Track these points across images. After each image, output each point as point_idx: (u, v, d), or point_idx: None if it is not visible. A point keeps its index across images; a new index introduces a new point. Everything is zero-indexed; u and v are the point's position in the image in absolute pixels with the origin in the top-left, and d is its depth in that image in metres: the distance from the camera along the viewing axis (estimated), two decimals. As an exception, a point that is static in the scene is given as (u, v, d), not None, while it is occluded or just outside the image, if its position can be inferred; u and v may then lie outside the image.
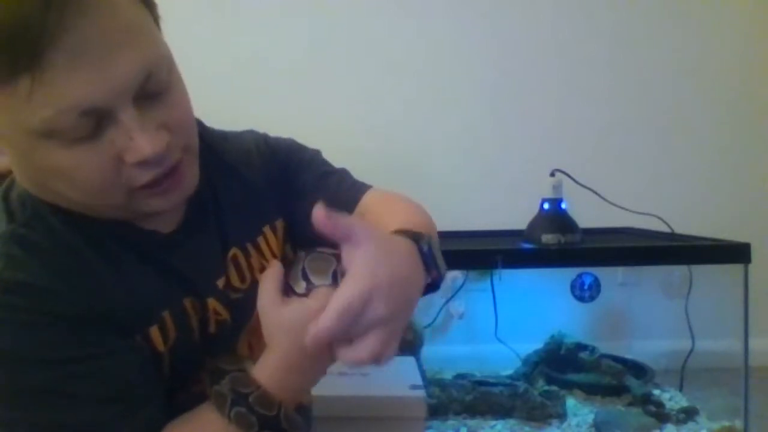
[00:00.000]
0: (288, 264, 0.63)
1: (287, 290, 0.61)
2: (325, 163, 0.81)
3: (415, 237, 0.60)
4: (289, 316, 0.58)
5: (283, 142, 0.81)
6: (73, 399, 0.54)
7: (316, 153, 0.81)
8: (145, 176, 0.55)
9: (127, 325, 0.59)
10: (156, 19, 0.58)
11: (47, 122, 0.50)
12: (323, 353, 0.55)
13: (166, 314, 0.62)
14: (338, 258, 0.58)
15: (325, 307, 0.51)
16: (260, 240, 0.74)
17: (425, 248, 0.59)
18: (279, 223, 0.76)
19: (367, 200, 0.76)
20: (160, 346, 0.62)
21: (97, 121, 0.52)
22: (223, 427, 0.58)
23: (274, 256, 0.74)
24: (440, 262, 0.62)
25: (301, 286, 0.60)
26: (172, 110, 0.57)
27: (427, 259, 0.59)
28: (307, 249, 0.62)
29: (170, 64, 0.57)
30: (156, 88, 0.55)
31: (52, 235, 0.58)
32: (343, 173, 0.80)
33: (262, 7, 1.98)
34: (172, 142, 0.56)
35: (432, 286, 0.62)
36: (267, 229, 0.75)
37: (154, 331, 0.61)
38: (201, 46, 1.86)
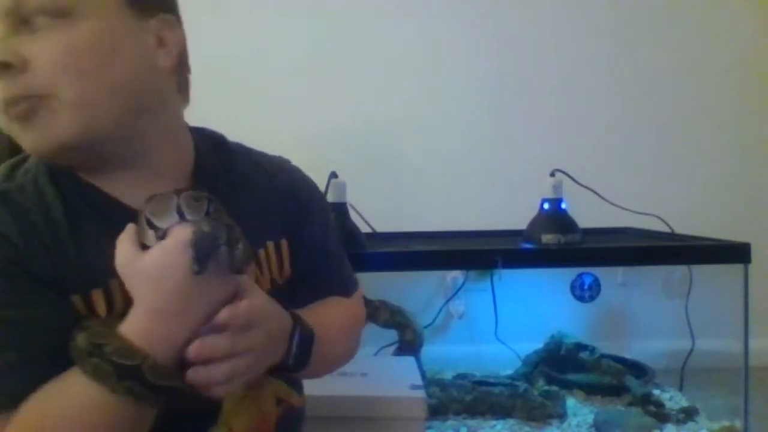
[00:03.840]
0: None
1: (143, 249, 0.58)
2: (335, 232, 0.86)
3: (297, 322, 0.66)
4: (147, 263, 0.56)
5: (314, 185, 0.84)
6: None
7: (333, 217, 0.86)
8: None
9: (69, 281, 0.60)
10: None
11: None
12: (196, 297, 0.56)
13: (114, 282, 0.61)
14: (177, 192, 0.59)
15: (182, 241, 0.55)
16: (260, 252, 0.73)
17: (297, 334, 0.66)
18: (284, 244, 0.76)
19: (328, 300, 0.80)
20: (102, 311, 0.61)
21: None
22: (80, 380, 0.56)
23: (271, 273, 0.74)
24: (300, 354, 0.66)
25: (150, 238, 0.57)
26: (43, 50, 0.58)
27: (291, 341, 0.65)
28: (146, 199, 0.60)
29: (57, 10, 0.59)
30: (31, 16, 0.58)
31: (37, 197, 0.62)
32: (343, 256, 0.86)
33: (262, 7, 1.98)
34: (26, 79, 0.58)
35: (282, 367, 0.66)
36: (270, 245, 0.74)
37: (96, 294, 0.61)
38: (201, 46, 1.85)
